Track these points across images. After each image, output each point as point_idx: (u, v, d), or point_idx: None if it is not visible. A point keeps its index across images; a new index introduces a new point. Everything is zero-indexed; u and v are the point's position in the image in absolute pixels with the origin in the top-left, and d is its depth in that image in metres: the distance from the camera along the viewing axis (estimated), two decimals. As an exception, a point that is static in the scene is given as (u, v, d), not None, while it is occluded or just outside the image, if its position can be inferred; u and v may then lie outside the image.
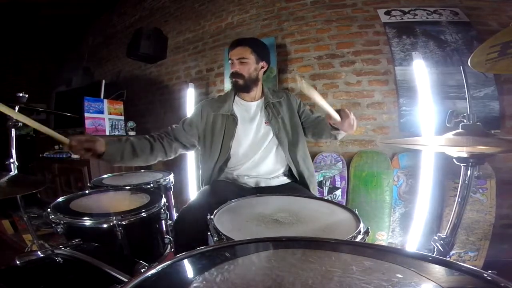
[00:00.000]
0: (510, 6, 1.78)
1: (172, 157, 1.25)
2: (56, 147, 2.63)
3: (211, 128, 1.26)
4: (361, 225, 0.70)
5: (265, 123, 1.27)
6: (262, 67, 1.28)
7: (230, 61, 1.27)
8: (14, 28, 3.55)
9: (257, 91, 1.31)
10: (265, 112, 1.27)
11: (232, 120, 1.24)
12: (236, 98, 1.32)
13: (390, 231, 1.80)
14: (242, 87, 1.26)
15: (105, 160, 1.03)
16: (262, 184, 1.24)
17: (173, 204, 1.59)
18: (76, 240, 0.75)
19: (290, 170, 1.28)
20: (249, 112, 1.29)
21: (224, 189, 1.16)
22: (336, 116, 1.02)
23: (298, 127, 1.31)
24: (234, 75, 1.24)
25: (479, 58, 0.81)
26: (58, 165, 2.58)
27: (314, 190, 1.30)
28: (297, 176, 1.27)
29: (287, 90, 2.10)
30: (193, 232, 0.88)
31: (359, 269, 0.40)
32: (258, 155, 1.24)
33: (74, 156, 2.44)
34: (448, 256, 0.83)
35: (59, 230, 0.87)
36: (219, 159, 1.23)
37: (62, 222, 0.87)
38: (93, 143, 0.97)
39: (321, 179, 1.91)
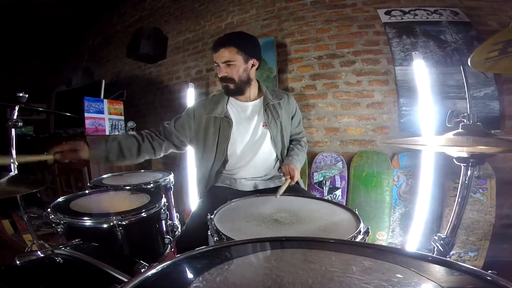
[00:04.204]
0: (510, 6, 1.78)
1: (161, 156, 1.23)
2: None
3: (204, 131, 1.21)
4: (361, 225, 0.70)
5: (263, 126, 1.21)
6: (253, 65, 1.18)
7: (215, 65, 1.17)
8: (14, 28, 3.55)
9: (251, 91, 1.24)
10: (264, 114, 1.21)
11: (226, 122, 1.18)
12: (231, 98, 1.25)
13: (390, 231, 1.80)
14: (234, 91, 1.18)
15: (92, 161, 1.05)
16: (260, 187, 1.23)
17: (173, 204, 1.59)
18: (76, 240, 0.75)
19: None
20: (245, 113, 1.23)
21: (223, 195, 1.14)
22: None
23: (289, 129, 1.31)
24: (224, 79, 1.16)
25: (479, 57, 0.80)
26: (58, 165, 2.58)
27: (302, 185, 1.31)
28: None
29: (287, 90, 2.10)
30: (199, 246, 0.87)
31: (359, 269, 0.40)
32: (256, 158, 1.21)
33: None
34: (448, 256, 0.83)
35: (59, 230, 0.87)
36: (215, 163, 1.20)
37: (62, 222, 0.87)
38: (76, 152, 0.99)
39: (321, 179, 1.91)
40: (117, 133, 2.62)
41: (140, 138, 1.16)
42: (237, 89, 1.18)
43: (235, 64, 1.13)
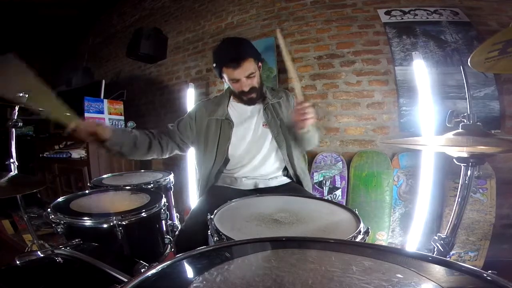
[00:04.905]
0: (510, 6, 1.78)
1: (166, 156, 1.25)
2: (56, 147, 2.63)
3: (205, 133, 1.22)
4: (361, 225, 0.70)
5: (263, 125, 1.22)
6: (260, 68, 1.20)
7: (233, 81, 1.12)
8: (14, 28, 3.55)
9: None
10: (264, 113, 1.22)
11: (227, 124, 1.19)
12: (231, 101, 1.26)
13: (390, 231, 1.80)
14: (257, 99, 1.20)
15: (104, 147, 1.03)
16: (261, 186, 1.23)
17: (173, 204, 1.59)
18: (76, 240, 0.75)
19: (286, 169, 1.26)
20: (246, 114, 1.24)
21: (223, 194, 1.14)
22: (299, 95, 0.99)
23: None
24: (249, 92, 1.14)
25: (479, 57, 0.81)
26: (58, 165, 2.58)
27: (308, 187, 1.29)
28: (293, 176, 1.26)
29: (287, 90, 2.10)
30: (197, 244, 0.87)
31: (359, 269, 0.40)
32: (257, 157, 1.21)
33: (74, 156, 2.44)
34: (448, 256, 0.83)
35: (59, 230, 0.87)
36: (215, 163, 1.20)
37: (62, 222, 0.87)
38: (98, 127, 0.98)
39: (321, 179, 1.91)
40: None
41: (151, 135, 1.18)
42: (258, 96, 1.20)
43: (255, 74, 1.13)
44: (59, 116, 0.89)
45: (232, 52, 1.10)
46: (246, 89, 1.13)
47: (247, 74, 1.10)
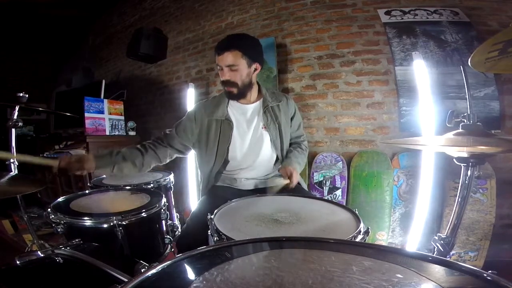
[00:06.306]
0: (510, 6, 1.79)
1: (167, 162, 1.24)
2: (56, 147, 2.63)
3: (206, 134, 1.21)
4: (361, 225, 0.70)
5: (263, 128, 1.21)
6: (255, 69, 1.17)
7: (218, 67, 1.14)
8: (14, 28, 3.55)
9: (252, 93, 1.23)
10: (263, 116, 1.21)
11: (227, 124, 1.18)
12: (231, 100, 1.25)
13: (390, 231, 1.80)
14: (237, 96, 1.18)
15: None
16: (260, 186, 1.23)
17: (173, 204, 1.59)
18: (76, 240, 0.75)
19: None
20: (246, 116, 1.23)
21: (223, 194, 1.14)
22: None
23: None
24: (226, 83, 1.14)
25: (479, 57, 0.81)
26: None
27: (304, 187, 1.30)
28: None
29: (287, 90, 2.10)
30: (198, 245, 0.87)
31: (359, 269, 0.40)
32: (256, 159, 1.21)
33: (74, 156, 2.43)
34: (448, 256, 0.83)
35: (59, 230, 0.87)
36: (215, 164, 1.20)
37: (62, 222, 0.87)
38: (81, 164, 0.99)
39: (321, 179, 1.91)
40: (117, 133, 2.63)
41: (143, 149, 1.16)
42: (239, 94, 1.18)
43: (238, 68, 1.11)
44: (37, 160, 0.92)
45: (223, 40, 1.14)
46: (223, 78, 1.14)
47: (227, 64, 1.10)
